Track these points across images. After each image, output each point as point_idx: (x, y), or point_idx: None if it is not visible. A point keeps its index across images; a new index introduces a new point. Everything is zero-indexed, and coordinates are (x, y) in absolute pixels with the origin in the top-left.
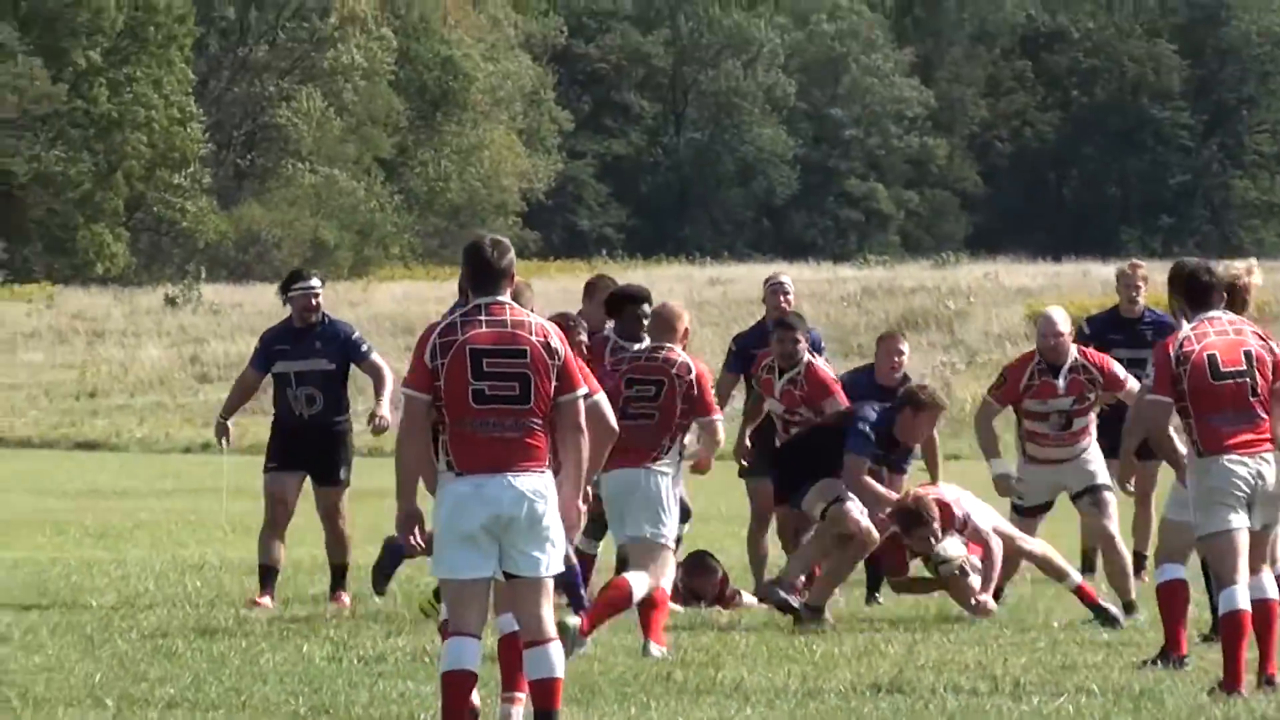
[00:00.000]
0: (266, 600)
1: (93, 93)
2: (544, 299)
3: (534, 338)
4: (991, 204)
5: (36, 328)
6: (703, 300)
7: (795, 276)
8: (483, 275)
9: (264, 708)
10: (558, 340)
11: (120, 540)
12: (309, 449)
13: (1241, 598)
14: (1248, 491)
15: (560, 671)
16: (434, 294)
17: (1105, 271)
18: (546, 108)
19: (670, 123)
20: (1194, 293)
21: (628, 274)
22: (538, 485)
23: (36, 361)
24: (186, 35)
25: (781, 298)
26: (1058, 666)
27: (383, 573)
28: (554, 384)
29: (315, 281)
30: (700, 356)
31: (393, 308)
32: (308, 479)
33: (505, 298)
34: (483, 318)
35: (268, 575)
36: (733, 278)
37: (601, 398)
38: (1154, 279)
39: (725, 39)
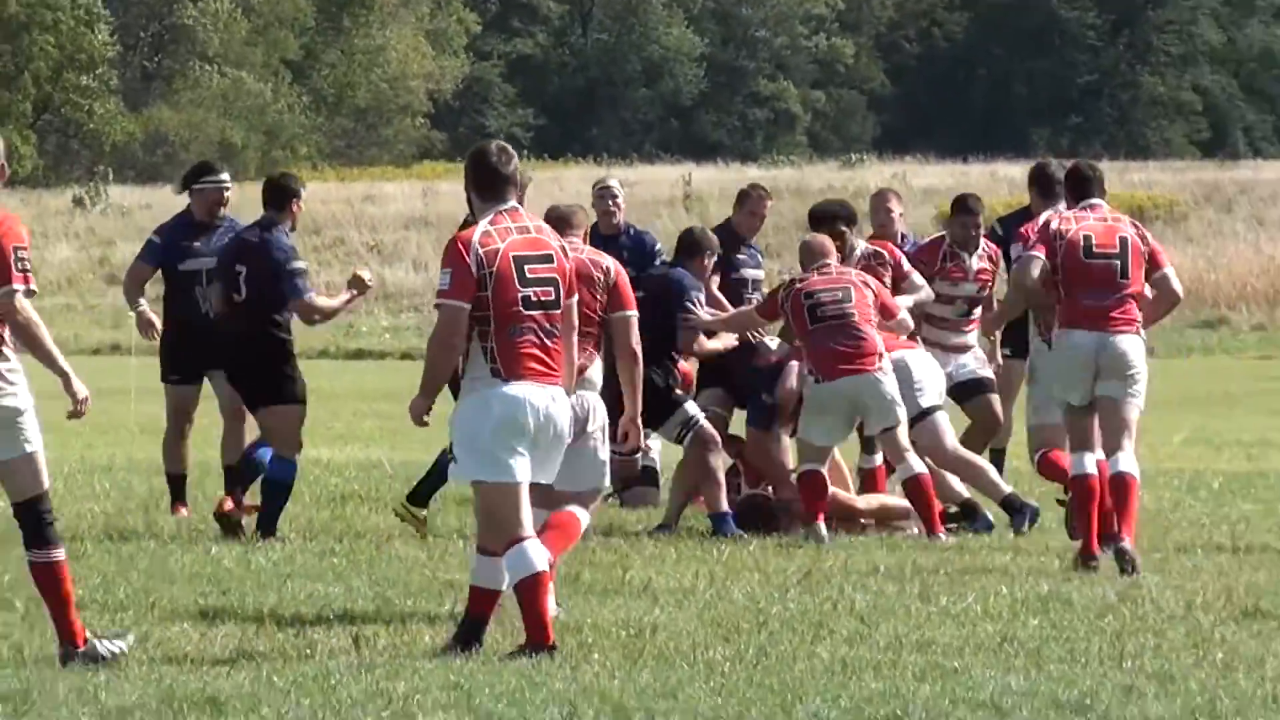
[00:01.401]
0: (183, 510)
1: None
2: (454, 199)
3: (553, 241)
4: (899, 104)
5: None
6: None
7: (702, 176)
8: (494, 182)
9: (172, 609)
10: (599, 256)
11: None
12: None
13: (1089, 463)
14: (1091, 365)
15: (544, 565)
16: (341, 194)
17: (1013, 171)
18: (453, 8)
19: (577, 23)
20: (1076, 184)
21: (536, 174)
22: (561, 394)
23: None
24: None
25: (610, 202)
26: (965, 568)
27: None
28: (604, 299)
29: (225, 176)
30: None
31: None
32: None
33: (518, 204)
34: (511, 224)
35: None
36: (641, 179)
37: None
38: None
39: None
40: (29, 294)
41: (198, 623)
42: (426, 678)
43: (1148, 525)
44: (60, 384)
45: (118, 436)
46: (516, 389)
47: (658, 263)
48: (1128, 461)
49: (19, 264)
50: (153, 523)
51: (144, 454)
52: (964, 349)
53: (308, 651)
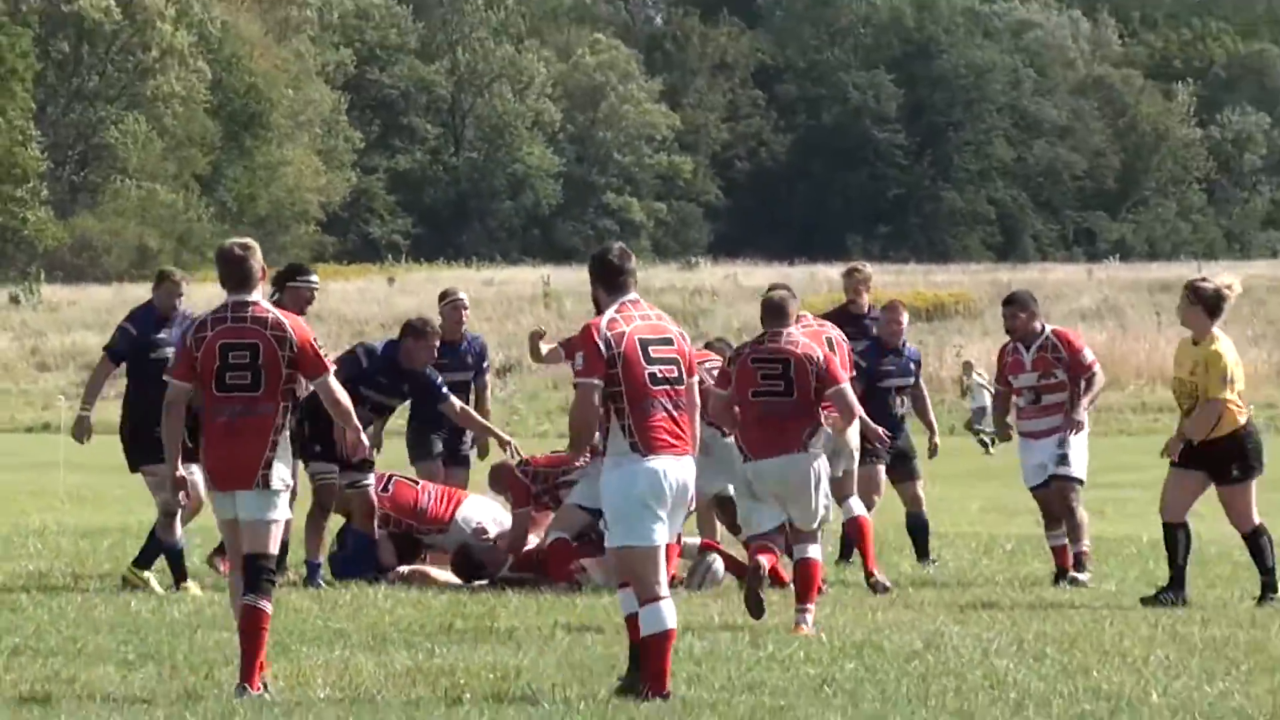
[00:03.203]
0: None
1: None
2: (341, 297)
3: (671, 327)
4: (732, 214)
5: None
6: (480, 298)
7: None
8: (618, 277)
9: (98, 654)
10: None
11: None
12: None
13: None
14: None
15: (673, 623)
16: None
17: (830, 273)
18: (341, 129)
19: (450, 142)
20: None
21: (412, 275)
22: (692, 468)
23: None
24: (27, 69)
25: (462, 313)
26: (789, 619)
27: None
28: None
29: (315, 277)
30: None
31: (209, 304)
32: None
33: (635, 295)
34: (633, 312)
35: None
36: (507, 279)
37: None
38: (876, 279)
39: (499, 69)
40: None
41: (120, 667)
42: (321, 715)
43: (950, 581)
44: None
45: (48, 503)
46: (656, 463)
47: (485, 364)
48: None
49: None
50: (79, 579)
51: (72, 519)
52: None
53: (216, 692)
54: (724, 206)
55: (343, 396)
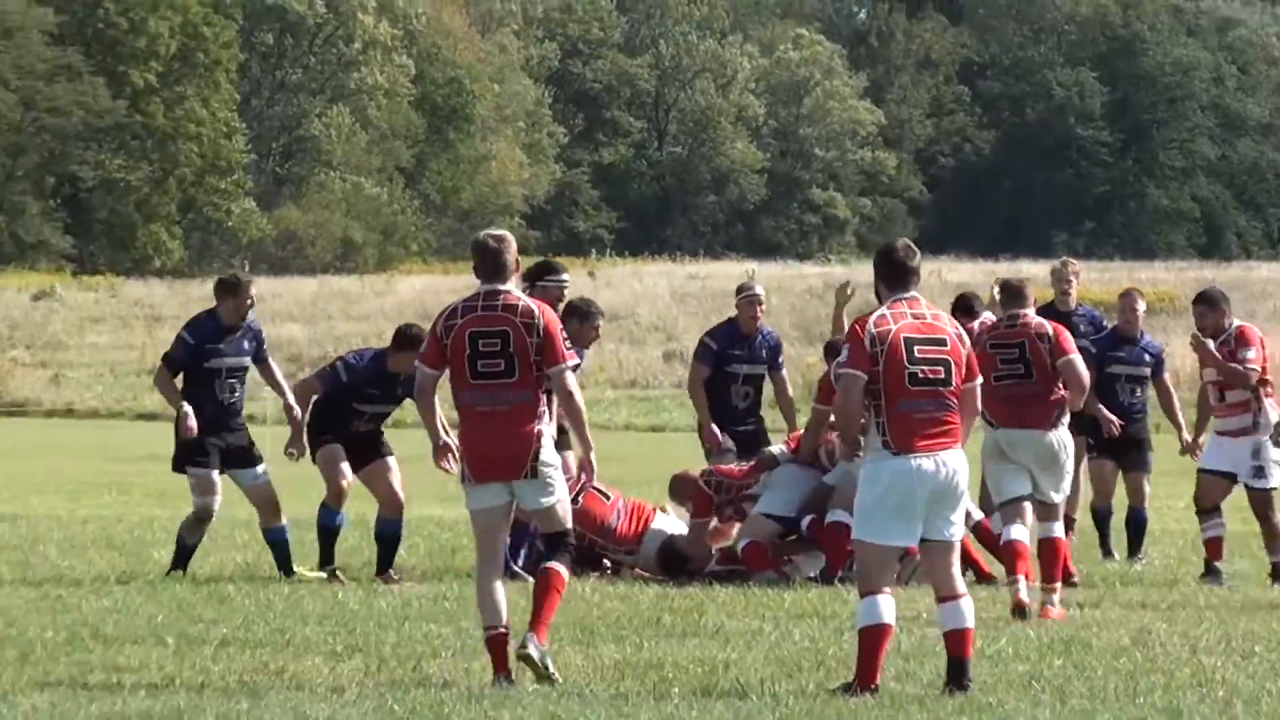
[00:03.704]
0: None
1: (149, 109)
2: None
3: (949, 328)
4: (935, 210)
5: (103, 314)
6: (685, 293)
7: (764, 273)
8: (900, 274)
9: (305, 646)
10: (963, 331)
11: (177, 499)
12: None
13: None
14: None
15: (970, 622)
16: (448, 286)
17: (1035, 269)
18: (545, 123)
19: (654, 137)
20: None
21: (615, 270)
22: (960, 461)
23: (102, 343)
24: (230, 60)
25: (757, 309)
26: (999, 615)
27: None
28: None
29: (566, 276)
30: (676, 341)
31: (412, 297)
32: None
33: (918, 293)
34: (906, 310)
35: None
36: (710, 273)
37: None
38: (1082, 276)
39: (702, 63)
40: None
41: (327, 658)
42: (528, 707)
43: (1157, 579)
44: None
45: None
46: (905, 463)
47: (780, 359)
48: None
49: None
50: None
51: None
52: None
53: (423, 683)
54: (928, 202)
55: (577, 393)
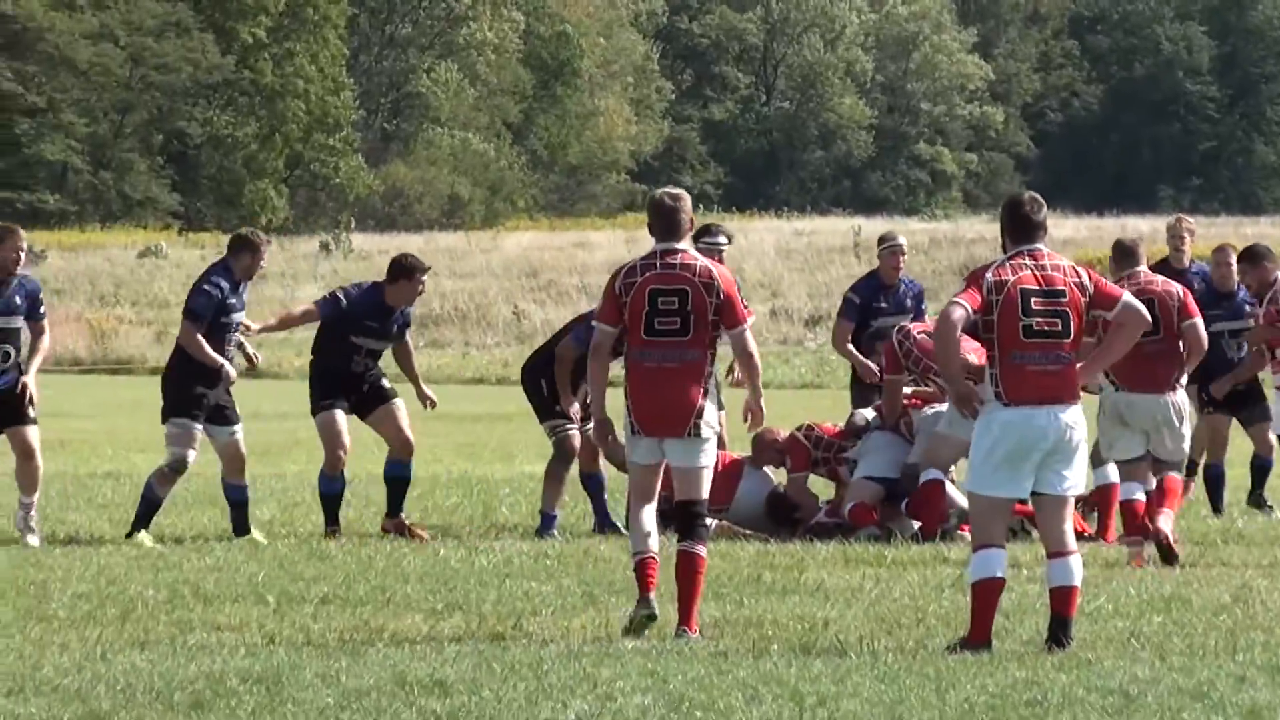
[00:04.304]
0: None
1: (257, 65)
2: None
3: (1068, 278)
4: (1042, 165)
5: None
6: (790, 249)
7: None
8: (1025, 227)
9: (405, 604)
10: (1086, 279)
11: (279, 457)
12: None
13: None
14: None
15: (1078, 580)
16: (554, 242)
17: (1141, 225)
18: (653, 78)
19: (762, 92)
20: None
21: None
22: (1076, 415)
23: None
24: (339, 15)
25: (899, 259)
26: (1098, 572)
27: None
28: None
29: (724, 239)
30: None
31: (519, 254)
32: None
33: (1043, 246)
34: (1027, 262)
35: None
36: (816, 229)
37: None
38: (1199, 233)
39: (811, 18)
40: None
41: (428, 616)
42: (627, 665)
43: (1259, 537)
44: None
45: (356, 452)
46: (1016, 414)
47: (924, 306)
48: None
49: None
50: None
51: (380, 467)
52: None
53: (524, 641)
54: (1035, 157)
55: (756, 353)
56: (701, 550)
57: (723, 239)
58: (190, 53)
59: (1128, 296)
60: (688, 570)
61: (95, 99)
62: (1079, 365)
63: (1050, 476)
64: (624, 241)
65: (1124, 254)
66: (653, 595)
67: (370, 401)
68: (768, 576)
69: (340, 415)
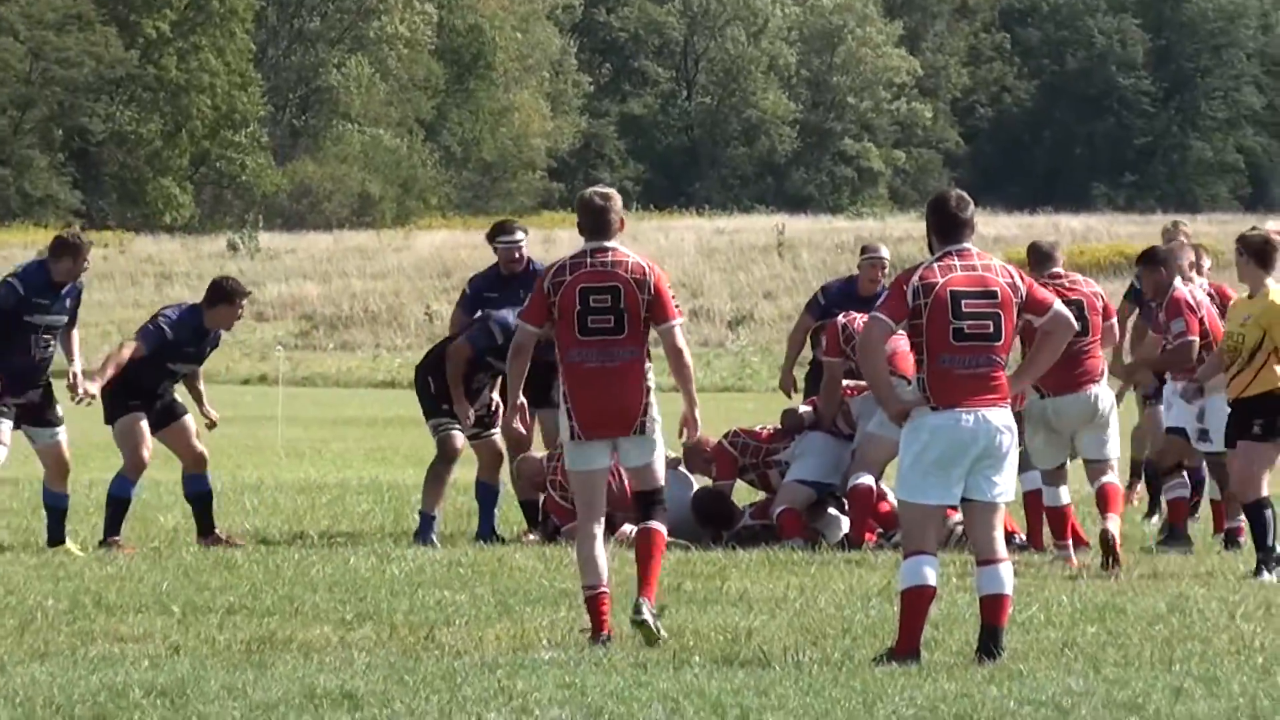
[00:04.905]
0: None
1: (161, 60)
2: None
3: (1001, 279)
4: (972, 162)
5: (110, 270)
6: (712, 248)
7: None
8: (951, 226)
9: (314, 614)
10: (1018, 278)
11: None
12: None
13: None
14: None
15: (1009, 589)
16: (469, 241)
17: (1074, 223)
18: (569, 73)
19: (683, 87)
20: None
21: (645, 223)
22: (1006, 419)
23: (108, 301)
24: (246, 9)
25: (879, 273)
26: (1030, 580)
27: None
28: (1018, 323)
29: (519, 235)
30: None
31: (431, 253)
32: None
33: (971, 245)
34: (956, 263)
35: None
36: (739, 228)
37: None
38: (1119, 229)
39: (733, 11)
40: None
41: (337, 627)
42: (543, 676)
43: (1196, 544)
44: None
45: (264, 458)
46: (943, 418)
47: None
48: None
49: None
50: (297, 535)
51: (289, 475)
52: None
53: (437, 652)
54: (964, 154)
55: (686, 350)
56: (661, 528)
57: (519, 236)
58: (93, 47)
59: (1058, 305)
60: (647, 545)
61: None
62: (1007, 378)
63: (980, 482)
64: (540, 241)
65: (1042, 257)
66: (606, 630)
67: (163, 418)
68: (689, 585)
69: (143, 420)
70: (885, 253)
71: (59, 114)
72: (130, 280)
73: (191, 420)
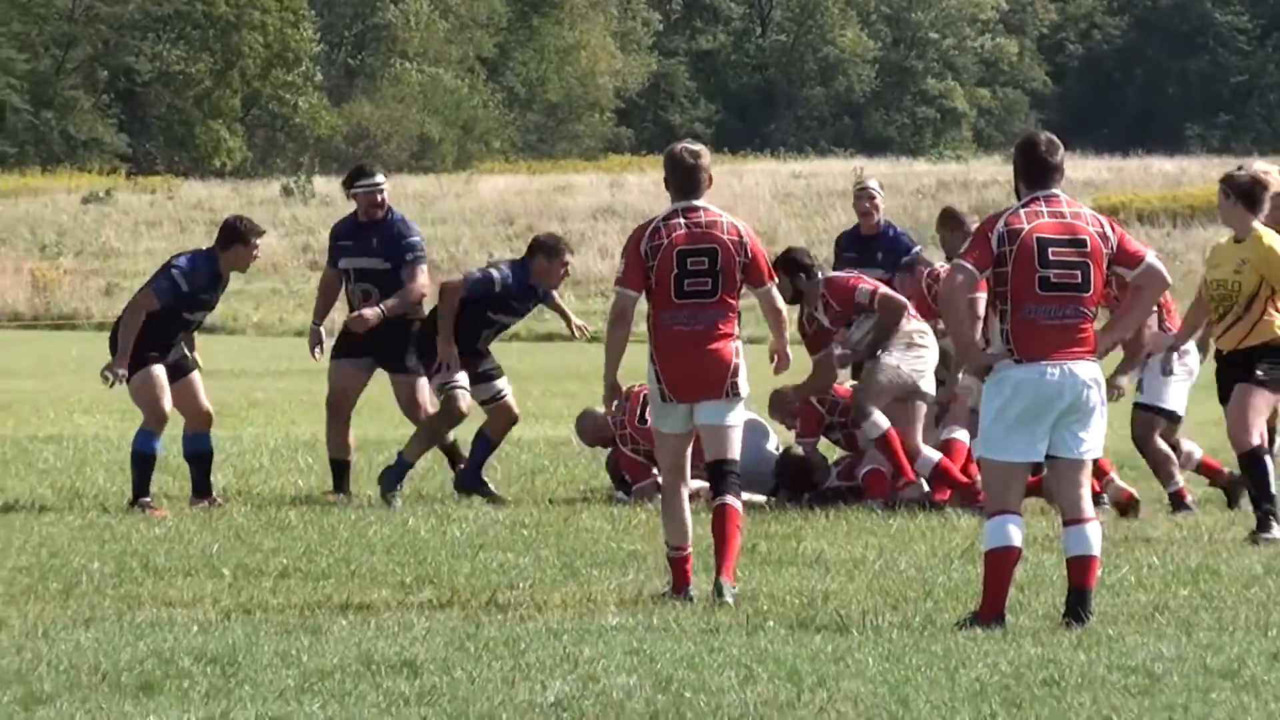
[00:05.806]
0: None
1: None
2: (639, 191)
3: (1091, 228)
4: (1060, 102)
5: (158, 218)
6: (787, 193)
7: (872, 170)
8: (1040, 170)
9: (372, 577)
10: (1109, 228)
11: (236, 419)
12: (373, 341)
13: None
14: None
15: (1097, 550)
16: (532, 186)
17: (1167, 165)
18: (638, 9)
19: (757, 23)
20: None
21: (717, 167)
22: (1094, 372)
23: (158, 249)
24: None
25: (866, 204)
26: (1119, 541)
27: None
28: (1109, 275)
29: (380, 178)
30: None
31: (494, 199)
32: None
33: (1059, 191)
34: (1043, 209)
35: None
36: (815, 171)
37: None
38: (1213, 172)
39: None
40: None
41: (396, 590)
42: (610, 643)
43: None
44: None
45: (321, 414)
46: (1028, 371)
47: (914, 252)
48: None
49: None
50: (353, 494)
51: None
52: None
53: (499, 617)
54: (1052, 94)
55: (784, 309)
56: (736, 503)
57: (380, 179)
58: None
59: (1150, 257)
60: (723, 522)
61: (35, 33)
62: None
63: (1066, 438)
64: (608, 185)
65: (953, 222)
66: (690, 586)
67: (172, 373)
68: (763, 546)
69: (161, 373)
70: (875, 184)
71: (103, 53)
72: (180, 227)
73: (199, 377)
